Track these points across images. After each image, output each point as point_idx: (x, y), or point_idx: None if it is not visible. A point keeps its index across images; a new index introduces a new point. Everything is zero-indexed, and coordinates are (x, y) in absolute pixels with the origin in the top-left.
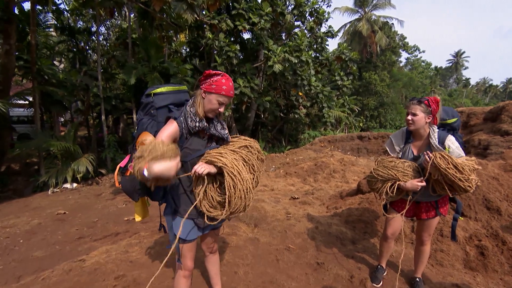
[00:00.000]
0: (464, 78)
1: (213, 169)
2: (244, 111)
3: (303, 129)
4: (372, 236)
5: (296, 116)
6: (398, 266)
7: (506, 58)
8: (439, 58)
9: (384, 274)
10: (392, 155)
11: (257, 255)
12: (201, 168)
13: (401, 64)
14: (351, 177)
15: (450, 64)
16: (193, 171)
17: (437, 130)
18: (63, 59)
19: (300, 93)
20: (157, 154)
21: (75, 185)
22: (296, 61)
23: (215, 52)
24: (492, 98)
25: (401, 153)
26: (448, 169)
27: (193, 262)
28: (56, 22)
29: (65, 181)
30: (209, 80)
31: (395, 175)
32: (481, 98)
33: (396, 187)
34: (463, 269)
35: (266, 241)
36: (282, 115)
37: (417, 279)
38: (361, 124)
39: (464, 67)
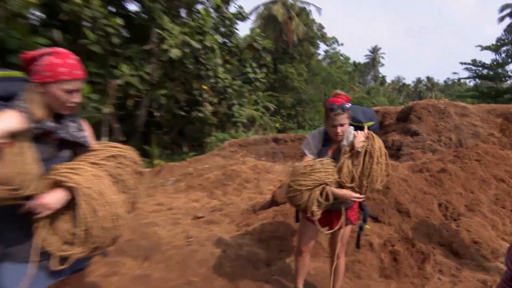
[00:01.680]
0: (380, 75)
1: (59, 200)
2: (131, 108)
3: (210, 130)
4: (288, 254)
5: (200, 114)
6: (316, 286)
7: (416, 56)
8: (357, 53)
9: None
10: (308, 155)
11: None
12: (39, 205)
13: (319, 57)
14: (265, 187)
15: (368, 60)
16: (27, 207)
17: (352, 131)
18: None
19: (205, 87)
20: None
21: None
22: (199, 47)
23: (84, 24)
24: (405, 98)
25: (317, 155)
26: (381, 150)
27: None
28: None
29: None
30: (35, 67)
31: (319, 178)
32: (396, 97)
33: (326, 192)
34: (379, 278)
35: (159, 276)
36: (182, 113)
37: None
38: (277, 125)
39: (380, 64)
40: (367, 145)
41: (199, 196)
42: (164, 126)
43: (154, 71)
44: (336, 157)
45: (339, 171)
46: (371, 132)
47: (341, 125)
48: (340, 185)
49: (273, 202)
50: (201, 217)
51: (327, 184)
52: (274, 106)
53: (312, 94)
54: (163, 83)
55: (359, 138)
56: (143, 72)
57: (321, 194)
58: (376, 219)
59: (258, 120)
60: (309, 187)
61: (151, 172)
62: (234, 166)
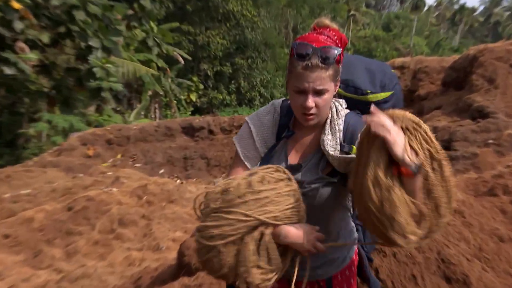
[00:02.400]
0: None
1: None
2: None
3: (33, 108)
4: None
5: (9, 71)
6: None
7: None
8: None
9: None
10: (243, 162)
11: None
12: None
13: None
14: (165, 235)
15: None
16: None
17: (344, 109)
18: None
19: (16, 4)
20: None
21: None
22: None
23: None
24: (465, 36)
25: (266, 159)
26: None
27: None
28: None
29: None
30: None
31: (249, 216)
32: (446, 35)
33: (268, 240)
34: None
35: None
36: None
37: None
38: (193, 97)
39: None
40: (421, 145)
41: (8, 265)
42: None
43: None
44: (307, 163)
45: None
46: (397, 112)
47: (317, 92)
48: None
49: (182, 268)
50: None
51: (266, 225)
52: (188, 57)
53: (268, 31)
54: None
55: (386, 125)
56: None
57: (257, 249)
58: None
59: (150, 86)
60: (230, 239)
61: None
62: (92, 191)
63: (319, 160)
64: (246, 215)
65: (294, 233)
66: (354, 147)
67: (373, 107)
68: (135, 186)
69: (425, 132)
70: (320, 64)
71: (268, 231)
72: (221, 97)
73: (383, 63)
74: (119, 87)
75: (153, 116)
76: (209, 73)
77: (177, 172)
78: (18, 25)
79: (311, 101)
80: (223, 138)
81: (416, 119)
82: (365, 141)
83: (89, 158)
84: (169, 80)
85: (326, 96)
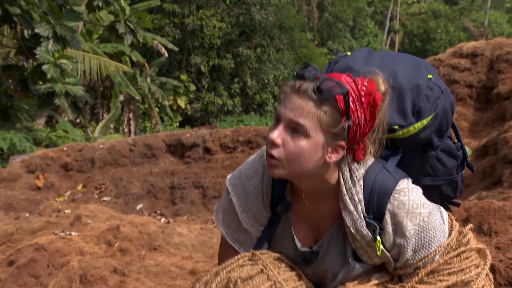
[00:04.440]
0: None
1: None
2: None
3: None
4: None
5: None
6: None
7: None
8: None
9: None
10: (236, 247)
11: None
12: None
13: None
14: None
15: None
16: None
17: (361, 171)
18: None
19: None
20: None
21: None
22: None
23: None
24: None
25: (262, 243)
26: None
27: None
28: None
29: None
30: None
31: None
32: None
33: None
34: None
35: None
36: None
37: None
38: (181, 103)
39: None
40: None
41: None
42: None
43: None
44: (325, 248)
45: None
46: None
47: (292, 127)
48: None
49: None
50: None
51: None
52: (174, 47)
53: (283, 9)
54: None
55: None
56: None
57: None
58: None
59: (122, 88)
60: None
61: None
62: (42, 237)
63: (343, 241)
64: None
65: None
66: (379, 239)
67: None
68: (103, 228)
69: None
70: (309, 92)
71: None
72: (220, 101)
73: (416, 66)
74: (79, 91)
75: (126, 130)
76: (203, 68)
77: (161, 207)
78: None
79: (276, 134)
80: (224, 158)
81: None
82: None
83: (38, 190)
84: (148, 79)
85: (303, 142)
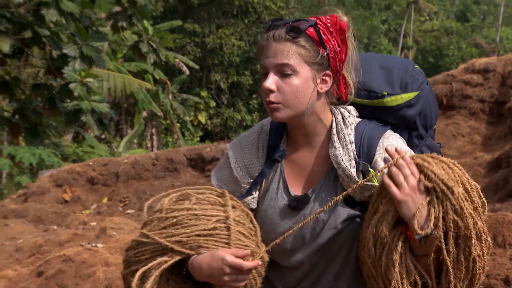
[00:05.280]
0: None
1: None
2: None
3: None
4: None
5: None
6: None
7: None
8: None
9: None
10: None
11: None
12: None
13: None
14: None
15: None
16: None
17: (354, 117)
18: None
19: None
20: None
21: None
22: None
23: None
24: None
25: (255, 191)
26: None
27: None
28: None
29: None
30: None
31: (150, 237)
32: None
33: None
34: None
35: None
36: None
37: None
38: (202, 119)
39: None
40: (447, 216)
41: None
42: None
43: None
44: (316, 192)
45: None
46: (428, 162)
47: (280, 71)
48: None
49: None
50: None
51: (172, 252)
52: (194, 65)
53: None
54: None
55: (399, 179)
56: None
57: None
58: None
59: (145, 105)
60: (132, 267)
61: None
62: (69, 249)
63: (335, 185)
64: (146, 236)
65: (207, 262)
66: (372, 171)
67: (389, 148)
68: (128, 240)
69: (458, 200)
70: (284, 35)
71: (171, 260)
72: (239, 116)
73: (405, 59)
74: (104, 108)
75: (149, 145)
76: (222, 85)
77: None
78: None
79: (269, 82)
80: None
81: (453, 180)
82: (380, 186)
83: (65, 203)
84: (170, 96)
85: (294, 80)
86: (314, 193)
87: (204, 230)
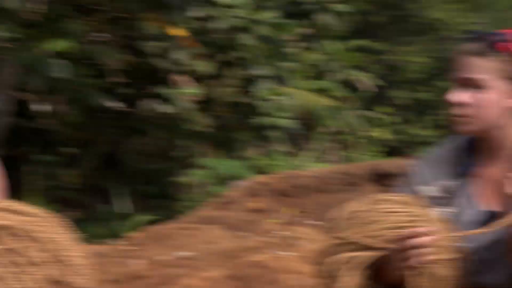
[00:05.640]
0: None
1: None
2: None
3: (191, 151)
4: None
5: (167, 109)
6: None
7: None
8: None
9: None
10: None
11: None
12: None
13: None
14: None
15: None
16: None
17: None
18: None
19: (178, 31)
20: None
21: None
22: None
23: None
24: None
25: (444, 199)
26: None
27: None
28: None
29: None
30: None
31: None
32: None
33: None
34: None
35: None
36: (116, 105)
37: None
38: (385, 135)
39: None
40: None
41: None
42: (64, 140)
43: None
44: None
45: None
46: None
47: (465, 84)
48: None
49: None
50: None
51: (370, 250)
52: (378, 82)
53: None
54: (60, 23)
55: None
56: None
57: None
58: None
59: (328, 120)
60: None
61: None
62: (260, 255)
63: None
64: (338, 238)
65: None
66: None
67: None
68: (318, 249)
69: None
70: (476, 49)
71: (372, 255)
72: (423, 133)
73: None
74: (292, 123)
75: (332, 159)
76: (406, 101)
77: None
78: (177, 55)
79: (457, 95)
80: None
81: None
82: None
83: (255, 212)
84: (353, 112)
85: (483, 94)
86: (502, 208)
87: (400, 222)
